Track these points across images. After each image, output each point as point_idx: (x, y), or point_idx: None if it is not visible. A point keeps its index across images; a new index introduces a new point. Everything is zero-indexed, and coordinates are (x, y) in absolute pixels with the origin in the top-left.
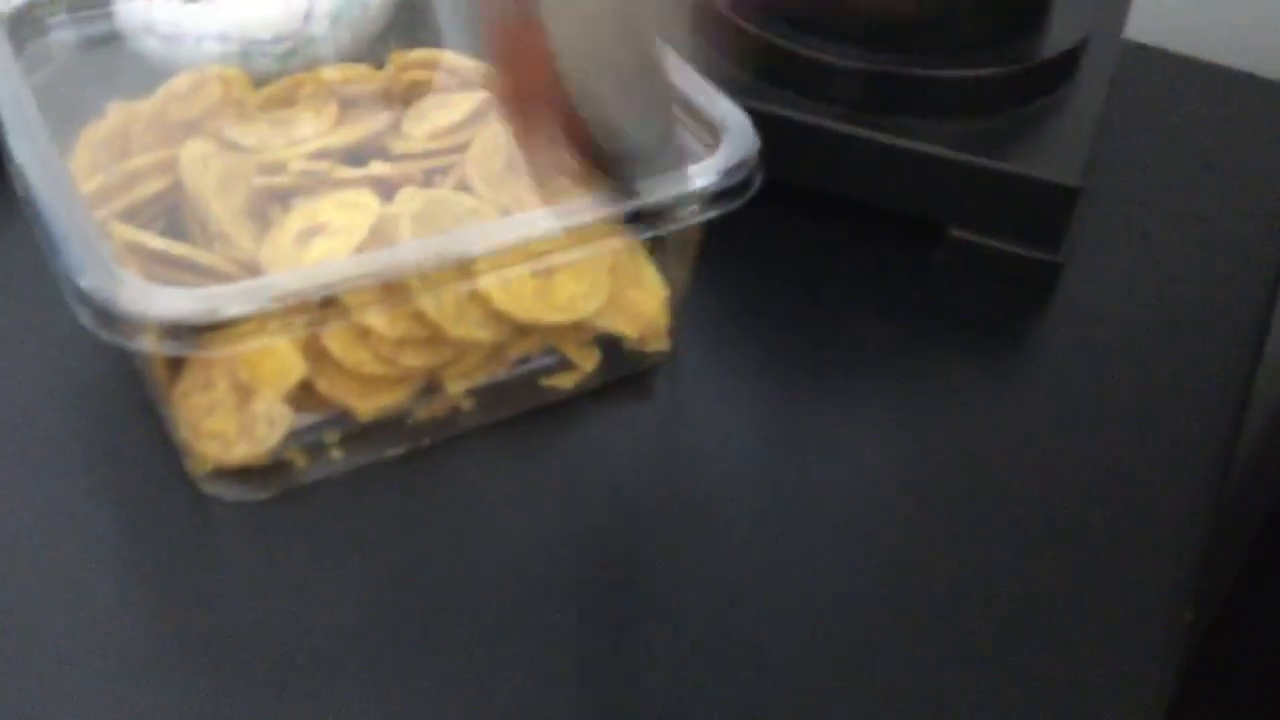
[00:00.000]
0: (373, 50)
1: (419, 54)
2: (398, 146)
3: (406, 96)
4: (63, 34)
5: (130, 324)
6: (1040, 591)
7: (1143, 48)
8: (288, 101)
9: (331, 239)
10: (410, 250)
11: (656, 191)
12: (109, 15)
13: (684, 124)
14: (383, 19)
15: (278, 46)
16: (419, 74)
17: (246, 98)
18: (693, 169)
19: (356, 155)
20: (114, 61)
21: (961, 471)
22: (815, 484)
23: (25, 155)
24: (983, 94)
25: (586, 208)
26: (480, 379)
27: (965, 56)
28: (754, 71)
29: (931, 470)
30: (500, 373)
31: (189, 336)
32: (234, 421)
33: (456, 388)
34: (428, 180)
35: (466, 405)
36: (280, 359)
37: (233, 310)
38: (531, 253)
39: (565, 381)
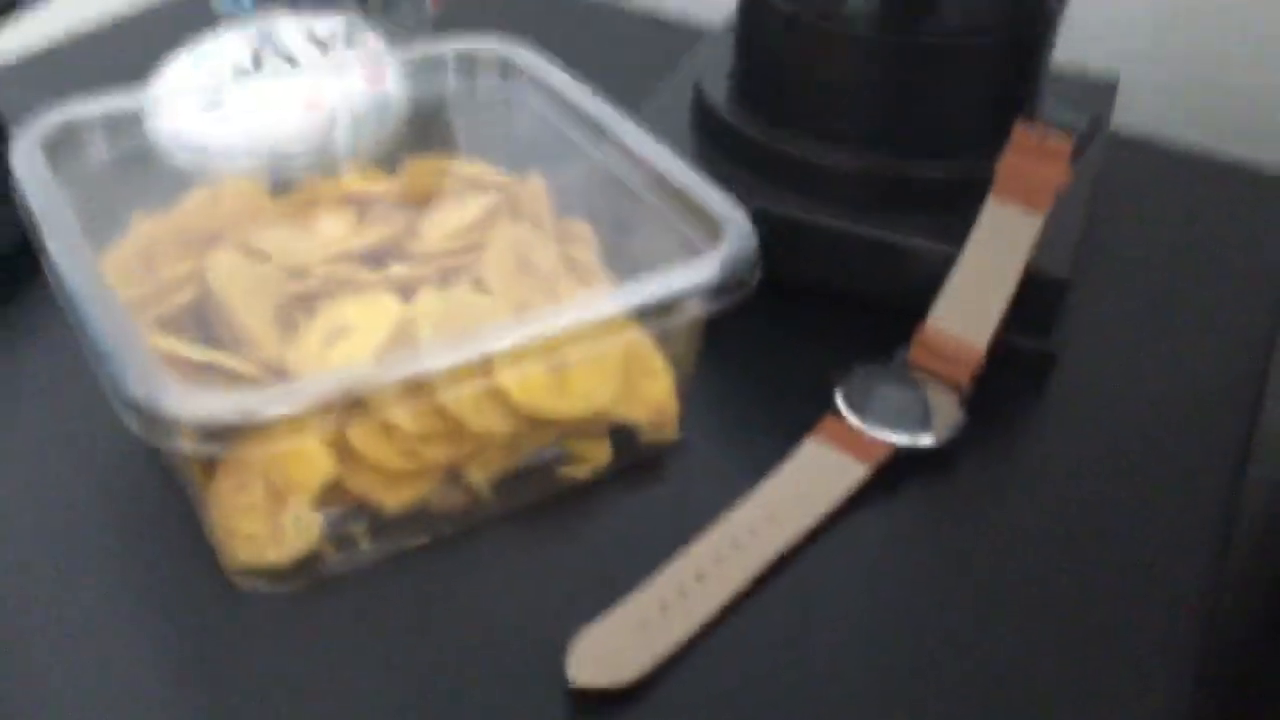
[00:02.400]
0: (388, 158)
1: (432, 161)
2: (415, 248)
3: (421, 200)
4: (98, 150)
5: (173, 427)
6: (1043, 671)
7: (1127, 140)
8: (307, 207)
9: (355, 340)
10: (431, 349)
11: (662, 286)
12: (142, 132)
13: (685, 221)
14: (396, 130)
15: (300, 158)
16: (432, 179)
17: (264, 205)
18: (694, 264)
19: (376, 258)
20: (147, 176)
21: (964, 548)
22: (817, 562)
23: (68, 269)
24: (970, 188)
25: (596, 303)
26: (499, 469)
27: (952, 154)
28: (750, 169)
29: (935, 548)
30: (519, 462)
31: (226, 438)
32: (267, 525)
33: (477, 478)
34: (444, 279)
35: (487, 495)
36: (310, 458)
37: (267, 412)
38: (546, 348)
39: (580, 470)
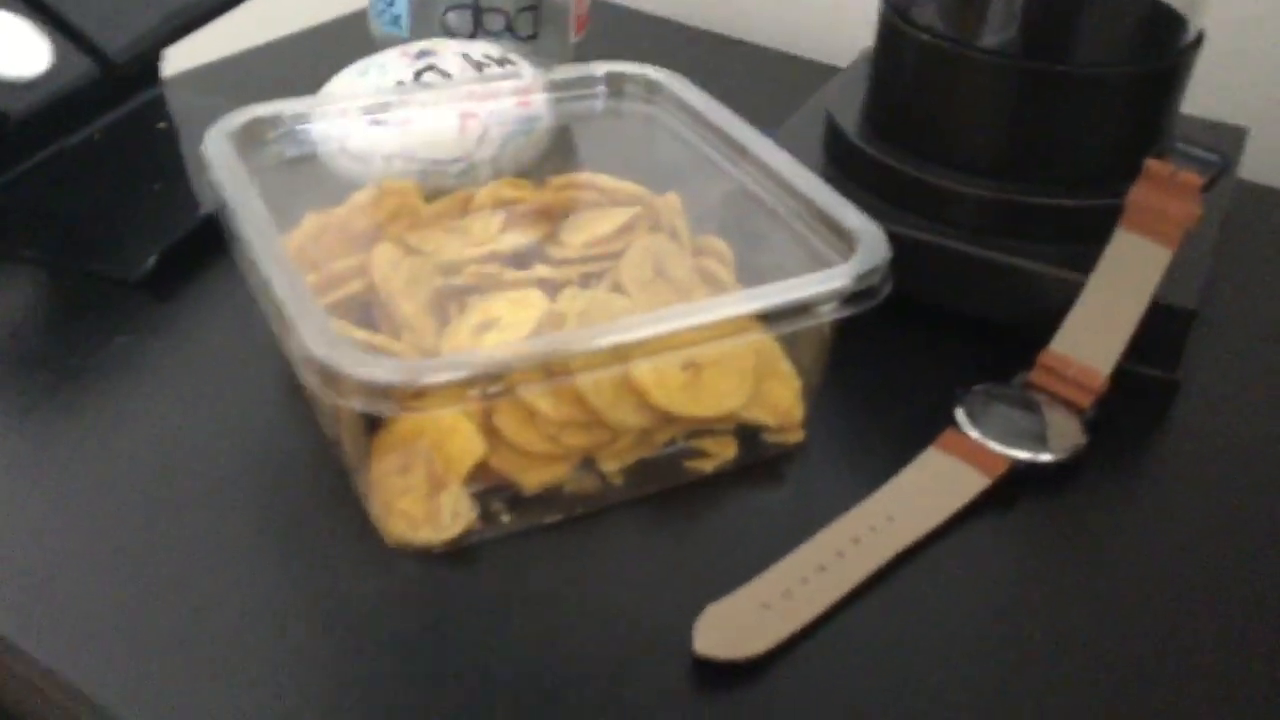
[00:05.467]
0: (534, 171)
1: (573, 176)
2: (558, 253)
3: (562, 211)
4: (272, 149)
5: (345, 385)
6: (1144, 686)
7: (1256, 188)
8: (458, 212)
9: (503, 332)
10: (572, 336)
11: (796, 290)
12: (311, 136)
13: (819, 236)
14: (543, 145)
15: (454, 166)
16: (573, 192)
17: (419, 208)
18: (829, 272)
19: (521, 260)
20: (315, 176)
21: (1078, 561)
22: (935, 563)
23: (258, 245)
24: (1097, 219)
25: (730, 303)
26: (631, 459)
27: (1080, 184)
28: (879, 195)
29: (1050, 560)
30: (648, 454)
31: (390, 398)
32: (423, 507)
33: (610, 466)
34: (584, 283)
35: (617, 481)
36: (464, 439)
37: (425, 379)
38: (679, 342)
39: (706, 465)
